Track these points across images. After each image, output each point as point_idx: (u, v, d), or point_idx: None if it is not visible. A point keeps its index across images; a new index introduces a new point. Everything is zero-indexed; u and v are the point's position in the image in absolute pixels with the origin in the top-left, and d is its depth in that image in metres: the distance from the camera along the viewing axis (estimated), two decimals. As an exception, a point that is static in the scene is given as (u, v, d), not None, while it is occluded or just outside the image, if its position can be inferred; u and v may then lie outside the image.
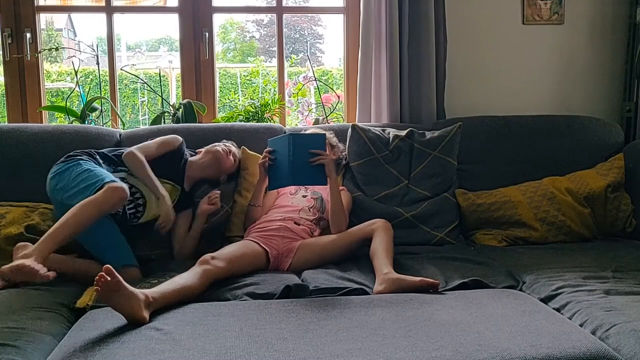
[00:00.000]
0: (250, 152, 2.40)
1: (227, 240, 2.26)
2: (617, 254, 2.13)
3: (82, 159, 2.05)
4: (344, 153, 2.46)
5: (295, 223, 2.15)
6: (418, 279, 1.80)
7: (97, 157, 2.11)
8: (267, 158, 2.15)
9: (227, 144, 2.34)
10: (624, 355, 1.39)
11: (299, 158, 2.04)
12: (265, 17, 7.90)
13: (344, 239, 2.09)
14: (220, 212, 2.27)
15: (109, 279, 1.48)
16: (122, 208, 2.03)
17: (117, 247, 1.96)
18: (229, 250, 1.95)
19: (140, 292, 1.55)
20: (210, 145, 2.31)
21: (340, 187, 2.34)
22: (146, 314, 1.53)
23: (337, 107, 2.96)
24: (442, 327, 1.49)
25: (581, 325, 1.55)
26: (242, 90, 6.50)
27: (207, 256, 1.83)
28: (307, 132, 2.30)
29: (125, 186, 1.92)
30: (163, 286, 1.67)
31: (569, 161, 2.56)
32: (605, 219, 2.42)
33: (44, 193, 2.22)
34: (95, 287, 1.49)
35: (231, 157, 2.31)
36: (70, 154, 2.10)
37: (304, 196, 2.29)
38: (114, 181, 1.92)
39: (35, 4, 2.68)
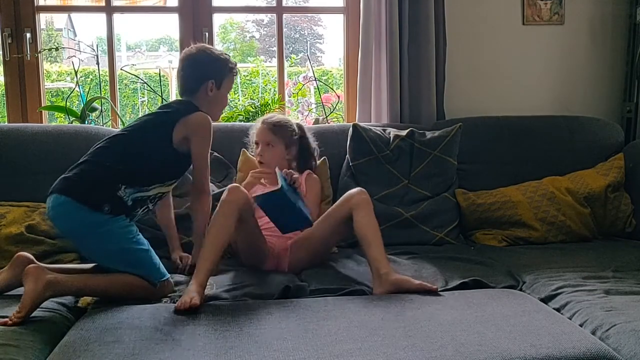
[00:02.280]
0: (250, 154, 2.37)
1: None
2: (617, 254, 2.13)
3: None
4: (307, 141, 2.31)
5: None
6: (417, 282, 1.79)
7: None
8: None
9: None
10: (624, 355, 1.39)
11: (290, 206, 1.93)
12: (265, 17, 7.90)
13: (327, 226, 2.01)
14: None
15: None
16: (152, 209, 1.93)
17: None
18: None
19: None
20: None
21: (307, 172, 2.28)
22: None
23: (337, 107, 2.96)
24: (442, 327, 1.49)
25: (581, 325, 1.55)
26: (242, 90, 6.50)
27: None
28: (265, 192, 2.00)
29: None
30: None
31: (569, 161, 2.56)
32: (605, 219, 2.42)
33: (44, 193, 2.21)
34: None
35: None
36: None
37: None
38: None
39: (35, 4, 2.68)
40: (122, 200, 1.75)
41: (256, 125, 2.29)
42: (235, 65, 2.02)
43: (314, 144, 2.34)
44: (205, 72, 1.95)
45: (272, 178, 2.12)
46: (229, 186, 1.87)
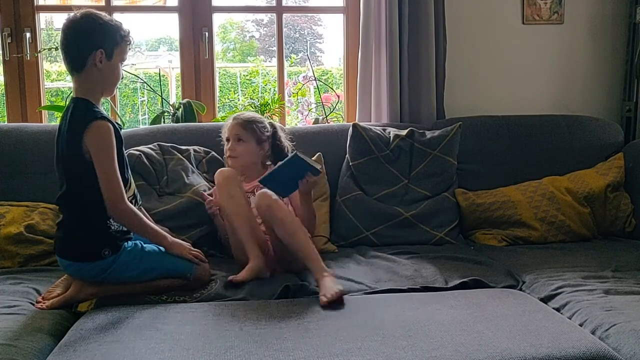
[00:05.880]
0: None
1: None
2: (617, 254, 2.14)
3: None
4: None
5: None
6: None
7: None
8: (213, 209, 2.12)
9: None
10: (623, 354, 1.39)
11: (293, 175, 2.02)
12: (265, 17, 7.88)
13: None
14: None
15: None
16: None
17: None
18: None
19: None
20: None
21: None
22: None
23: (336, 107, 2.96)
24: (442, 327, 1.49)
25: (581, 325, 1.55)
26: (242, 90, 6.50)
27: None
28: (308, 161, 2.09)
29: None
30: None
31: (569, 161, 2.56)
32: (605, 219, 2.41)
33: (43, 193, 2.22)
34: None
35: None
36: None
37: None
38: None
39: (35, 4, 2.68)
40: (117, 232, 1.76)
41: (227, 122, 2.27)
42: (129, 32, 1.78)
43: (286, 142, 2.31)
44: (92, 40, 1.70)
45: (250, 172, 2.19)
46: (218, 171, 2.00)
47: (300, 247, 1.86)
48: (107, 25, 1.73)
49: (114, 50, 1.74)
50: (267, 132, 2.24)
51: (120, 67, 1.79)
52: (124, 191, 1.71)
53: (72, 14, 1.73)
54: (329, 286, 1.71)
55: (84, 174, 1.69)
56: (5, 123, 2.62)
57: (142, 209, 1.94)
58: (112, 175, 1.68)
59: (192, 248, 1.88)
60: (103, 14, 1.76)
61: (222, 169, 2.05)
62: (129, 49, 1.80)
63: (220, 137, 2.31)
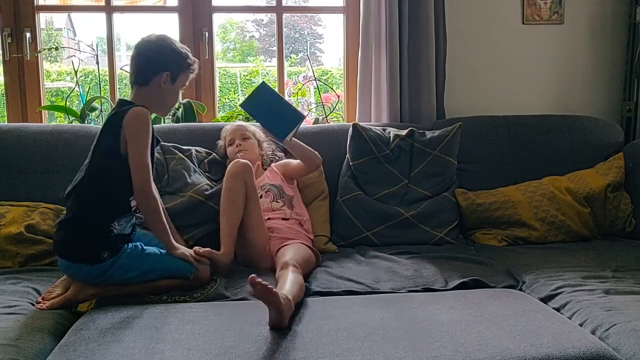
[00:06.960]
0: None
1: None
2: (617, 254, 2.14)
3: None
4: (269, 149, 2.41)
5: (283, 219, 2.14)
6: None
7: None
8: None
9: None
10: (623, 354, 1.39)
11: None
12: (265, 17, 7.89)
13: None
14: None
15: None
16: None
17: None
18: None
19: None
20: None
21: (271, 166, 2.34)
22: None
23: (336, 107, 2.96)
24: (442, 326, 1.49)
25: (581, 325, 1.56)
26: (242, 90, 6.50)
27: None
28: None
29: None
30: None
31: (569, 161, 2.56)
32: (605, 219, 2.42)
33: (43, 193, 2.22)
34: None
35: None
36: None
37: (260, 197, 2.18)
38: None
39: (35, 4, 2.68)
40: (118, 236, 1.75)
41: (228, 128, 2.36)
42: (195, 62, 1.89)
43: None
44: (162, 62, 1.81)
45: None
46: (232, 161, 2.05)
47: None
48: (178, 51, 1.84)
49: (179, 75, 1.84)
50: (261, 136, 2.37)
51: (179, 93, 1.91)
52: (151, 177, 1.76)
53: (147, 35, 1.85)
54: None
55: (107, 169, 1.74)
56: (5, 123, 2.62)
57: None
58: (144, 159, 1.73)
59: (193, 252, 1.87)
60: (175, 40, 1.88)
61: (237, 159, 2.09)
62: (191, 77, 1.91)
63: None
